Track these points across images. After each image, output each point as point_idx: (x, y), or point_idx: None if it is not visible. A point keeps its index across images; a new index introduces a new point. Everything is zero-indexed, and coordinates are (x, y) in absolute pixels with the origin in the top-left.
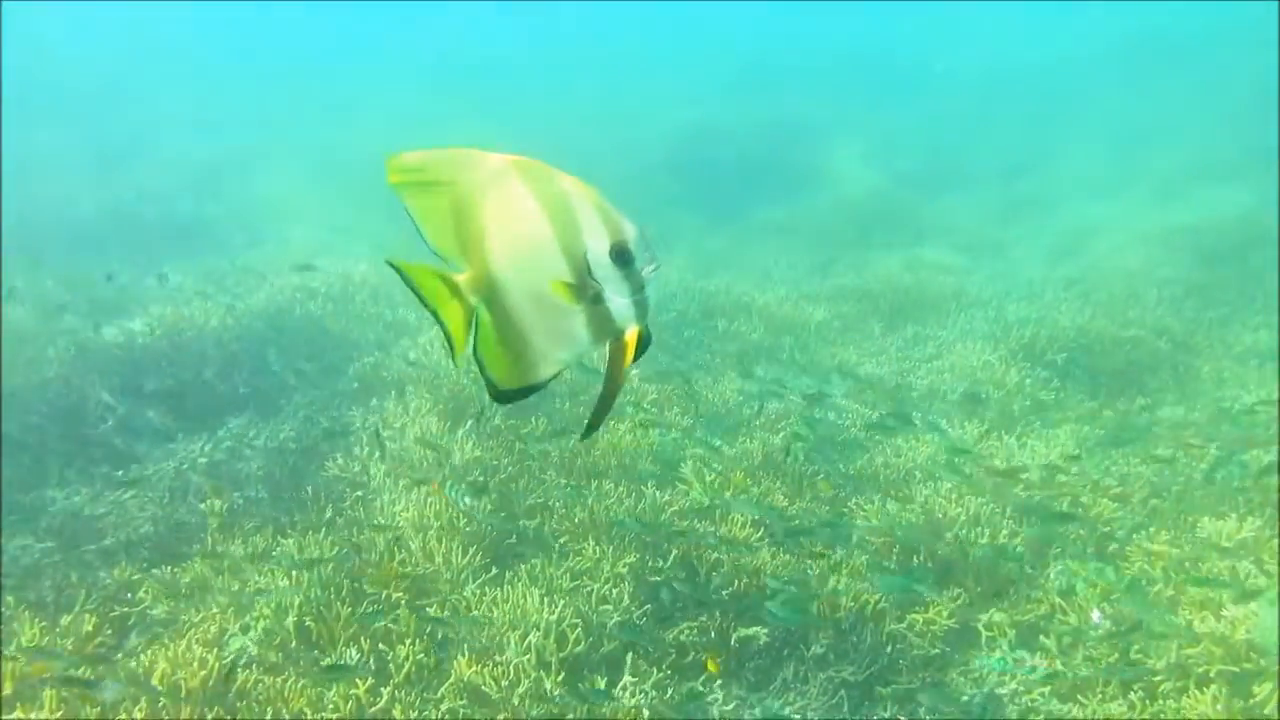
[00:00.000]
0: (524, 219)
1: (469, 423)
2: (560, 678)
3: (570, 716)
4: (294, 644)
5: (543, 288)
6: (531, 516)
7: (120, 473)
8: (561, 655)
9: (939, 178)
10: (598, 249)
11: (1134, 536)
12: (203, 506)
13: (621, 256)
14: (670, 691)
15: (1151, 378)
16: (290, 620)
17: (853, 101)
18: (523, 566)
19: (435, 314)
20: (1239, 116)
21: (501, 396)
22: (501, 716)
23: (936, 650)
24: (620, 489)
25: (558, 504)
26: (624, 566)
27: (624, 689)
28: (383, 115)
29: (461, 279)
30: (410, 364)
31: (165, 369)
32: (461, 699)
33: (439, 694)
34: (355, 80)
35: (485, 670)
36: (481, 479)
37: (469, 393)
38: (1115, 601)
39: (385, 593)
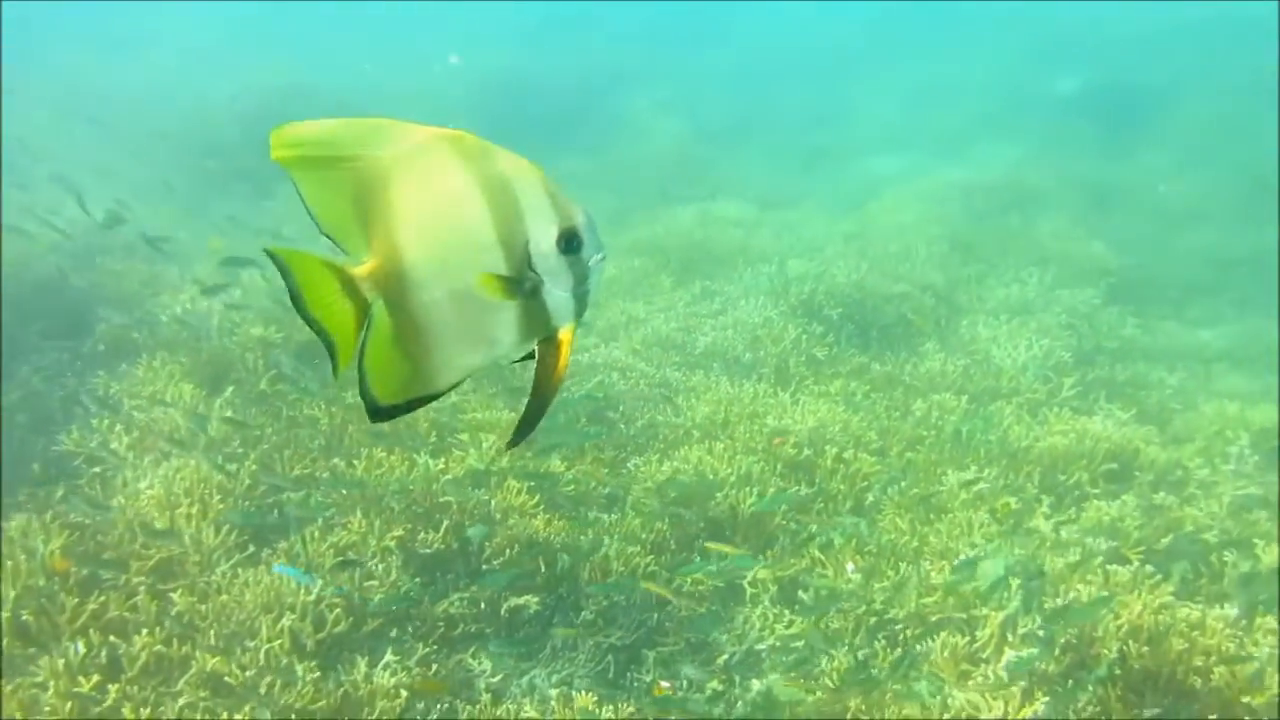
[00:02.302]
0: (452, 202)
1: (229, 389)
2: (315, 662)
3: (322, 703)
4: (6, 641)
5: (467, 282)
6: (297, 489)
7: None
8: (319, 637)
9: (740, 130)
10: (542, 236)
11: (888, 490)
12: None
13: (570, 244)
14: (436, 667)
15: (917, 332)
16: (5, 615)
17: (660, 52)
18: (281, 544)
19: (315, 317)
20: (1015, 74)
21: (381, 414)
22: (248, 707)
23: (703, 610)
24: (393, 457)
25: (325, 474)
26: (392, 540)
27: (385, 668)
28: (163, 53)
29: (359, 271)
30: (166, 322)
31: None
32: (203, 691)
33: (178, 687)
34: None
35: (231, 659)
36: (241, 450)
37: (232, 355)
38: (867, 554)
39: (125, 577)
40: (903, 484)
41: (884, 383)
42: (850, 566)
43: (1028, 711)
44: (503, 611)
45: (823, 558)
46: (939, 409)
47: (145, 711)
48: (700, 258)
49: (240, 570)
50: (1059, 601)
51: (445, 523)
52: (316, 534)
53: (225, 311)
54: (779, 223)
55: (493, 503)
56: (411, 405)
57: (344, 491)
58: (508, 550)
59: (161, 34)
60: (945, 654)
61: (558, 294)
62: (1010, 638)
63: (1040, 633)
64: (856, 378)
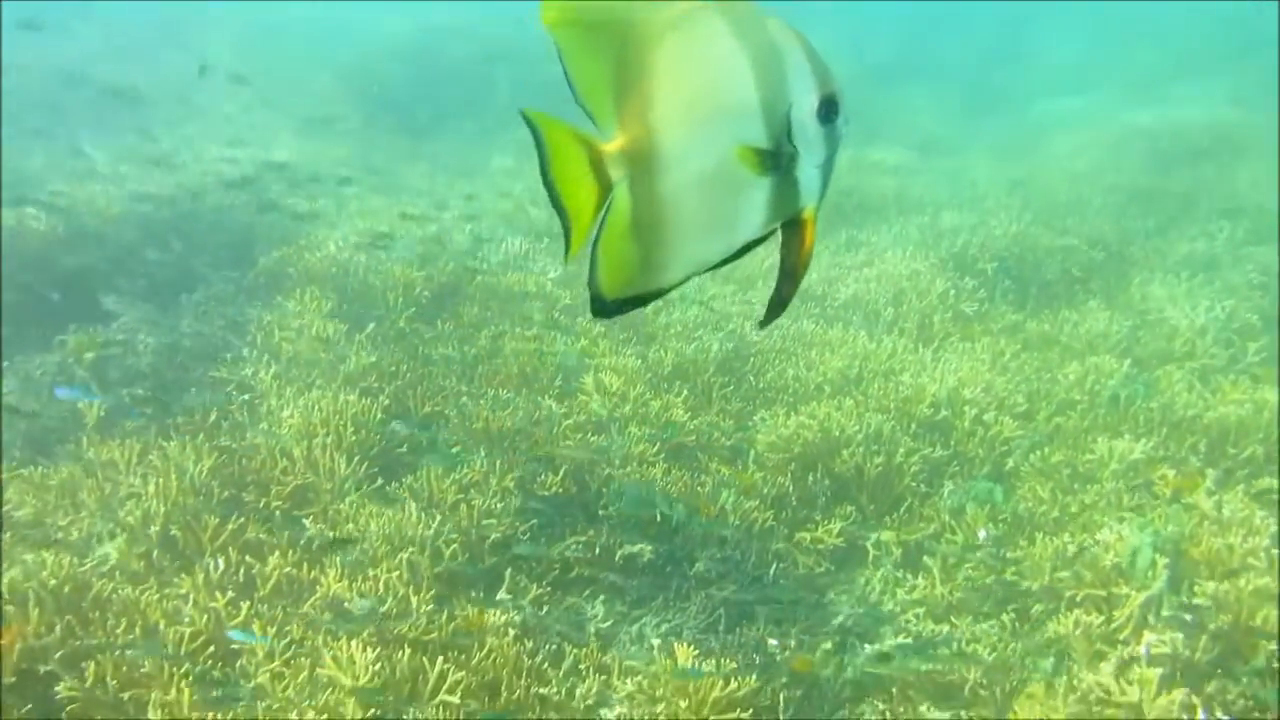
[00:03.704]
0: (718, 67)
1: (370, 325)
2: (431, 594)
3: (434, 635)
4: (156, 553)
5: (721, 157)
6: (426, 426)
7: (6, 364)
8: (436, 570)
9: (910, 69)
10: (804, 105)
11: (1030, 456)
12: (80, 405)
13: (829, 113)
14: (547, 609)
15: (1081, 289)
16: (155, 529)
17: None
18: (407, 478)
19: (558, 192)
20: (1231, 7)
21: (606, 308)
22: (365, 632)
23: (822, 569)
24: (519, 398)
25: (453, 413)
26: (512, 480)
27: (498, 605)
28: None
29: (610, 147)
30: (319, 258)
31: (61, 255)
32: (326, 613)
33: (304, 608)
34: None
35: (353, 585)
36: (376, 385)
37: (375, 292)
38: (1002, 522)
39: (265, 501)
40: (1046, 450)
41: (1039, 342)
42: (983, 533)
43: (1165, 700)
44: (617, 558)
45: (953, 523)
46: (1096, 372)
47: (272, 629)
48: (849, 206)
49: (367, 501)
50: (1213, 585)
51: (564, 467)
52: (440, 470)
53: (373, 250)
54: (939, 170)
55: (612, 449)
56: (636, 301)
57: (471, 427)
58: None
59: None
60: (1078, 632)
61: (809, 169)
62: (1152, 620)
63: (1187, 616)
64: (1008, 336)
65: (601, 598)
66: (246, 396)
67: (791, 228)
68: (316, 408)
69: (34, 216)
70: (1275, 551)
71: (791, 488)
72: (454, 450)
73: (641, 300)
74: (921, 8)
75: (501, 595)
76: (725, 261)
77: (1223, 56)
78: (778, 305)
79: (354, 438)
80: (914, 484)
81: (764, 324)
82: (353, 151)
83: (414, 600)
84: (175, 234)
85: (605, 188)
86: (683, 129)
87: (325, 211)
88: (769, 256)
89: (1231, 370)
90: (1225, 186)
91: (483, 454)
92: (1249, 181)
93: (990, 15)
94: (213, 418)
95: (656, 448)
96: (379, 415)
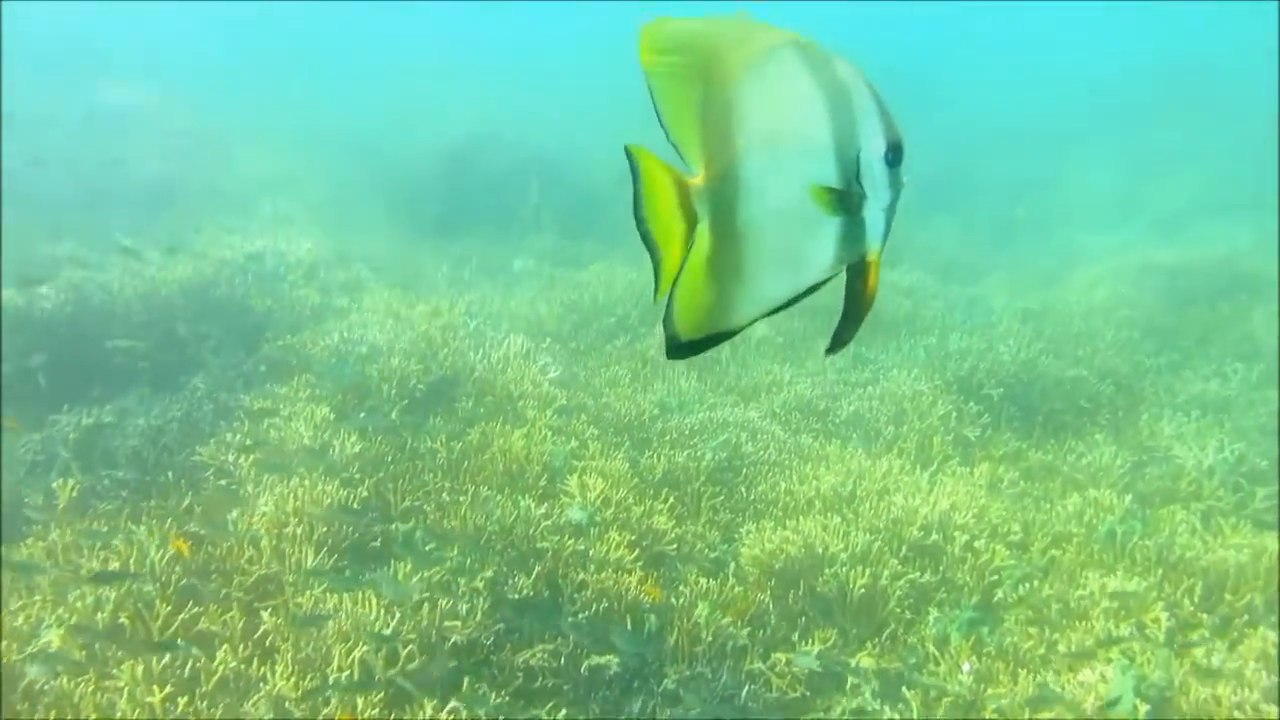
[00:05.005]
0: (795, 108)
1: (361, 415)
2: (380, 697)
3: None
4: (98, 645)
5: (797, 194)
6: (406, 519)
7: None
8: (390, 673)
9: (938, 193)
10: (872, 148)
11: (1019, 588)
12: (54, 485)
13: (895, 157)
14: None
15: (1089, 421)
16: (103, 616)
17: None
18: (374, 573)
19: (649, 229)
20: (1261, 147)
21: (680, 349)
22: None
23: (796, 694)
24: (500, 498)
25: (432, 508)
26: (481, 581)
27: (450, 715)
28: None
29: (695, 181)
30: (321, 347)
31: (64, 336)
32: (269, 715)
33: (246, 706)
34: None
35: (300, 684)
36: (358, 475)
37: (370, 383)
38: (986, 655)
39: (225, 591)
40: (1036, 583)
41: (1041, 472)
42: (966, 666)
43: None
44: (583, 669)
45: (936, 653)
46: (1095, 505)
47: None
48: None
49: (328, 595)
50: None
51: (538, 568)
52: (410, 566)
53: (374, 343)
54: (956, 296)
55: (590, 552)
56: (708, 342)
57: (447, 525)
58: (595, 605)
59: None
60: None
61: (875, 212)
62: None
63: None
64: (1009, 463)
65: (564, 712)
66: (224, 482)
67: (855, 270)
68: (292, 497)
69: (44, 296)
70: (1266, 708)
71: (771, 605)
72: (428, 547)
73: (713, 341)
74: (957, 133)
75: (454, 704)
76: (790, 303)
77: (1255, 196)
78: (840, 341)
79: (325, 529)
80: (898, 609)
81: (829, 353)
82: (374, 248)
83: (359, 703)
84: (184, 320)
85: (692, 224)
86: (760, 164)
87: (338, 304)
88: (773, 369)
89: (1237, 515)
90: (1241, 328)
91: (455, 552)
92: (1265, 324)
93: (1026, 142)
94: (186, 502)
95: (635, 554)
96: (355, 507)
